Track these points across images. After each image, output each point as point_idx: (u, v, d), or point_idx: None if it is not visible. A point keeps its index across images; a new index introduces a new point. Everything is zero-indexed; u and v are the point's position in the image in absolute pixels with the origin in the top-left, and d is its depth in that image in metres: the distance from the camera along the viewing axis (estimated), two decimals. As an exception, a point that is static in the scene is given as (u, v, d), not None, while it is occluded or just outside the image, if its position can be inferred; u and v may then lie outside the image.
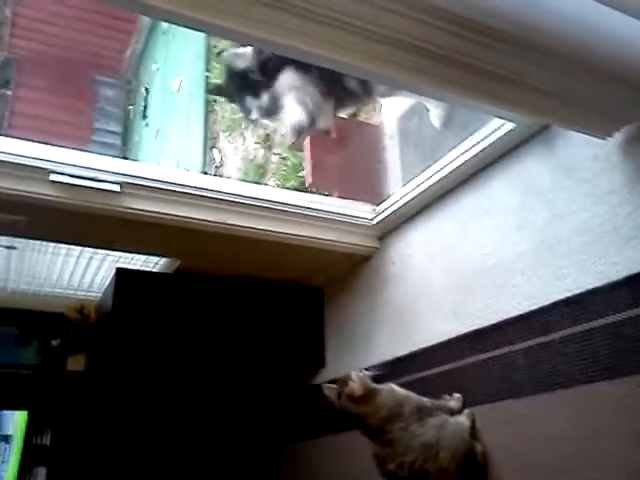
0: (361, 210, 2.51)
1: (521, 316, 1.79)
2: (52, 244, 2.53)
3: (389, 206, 2.40)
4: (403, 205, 2.32)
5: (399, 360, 2.24)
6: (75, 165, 2.07)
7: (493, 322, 1.88)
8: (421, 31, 1.18)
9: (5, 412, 2.95)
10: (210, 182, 2.33)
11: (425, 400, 1.85)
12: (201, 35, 6.28)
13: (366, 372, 1.85)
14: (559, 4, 1.21)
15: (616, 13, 1.27)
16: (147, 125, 8.32)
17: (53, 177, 2.02)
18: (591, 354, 1.56)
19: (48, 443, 2.94)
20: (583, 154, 1.70)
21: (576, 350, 1.60)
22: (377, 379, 1.86)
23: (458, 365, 1.97)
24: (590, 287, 1.61)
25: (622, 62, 1.31)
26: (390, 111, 2.87)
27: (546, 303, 1.72)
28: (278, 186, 4.35)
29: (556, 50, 1.24)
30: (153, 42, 8.45)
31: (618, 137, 1.58)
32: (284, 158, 4.47)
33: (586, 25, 1.24)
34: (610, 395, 1.50)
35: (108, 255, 2.64)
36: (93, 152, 2.22)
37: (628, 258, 1.54)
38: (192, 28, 1.22)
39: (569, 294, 1.66)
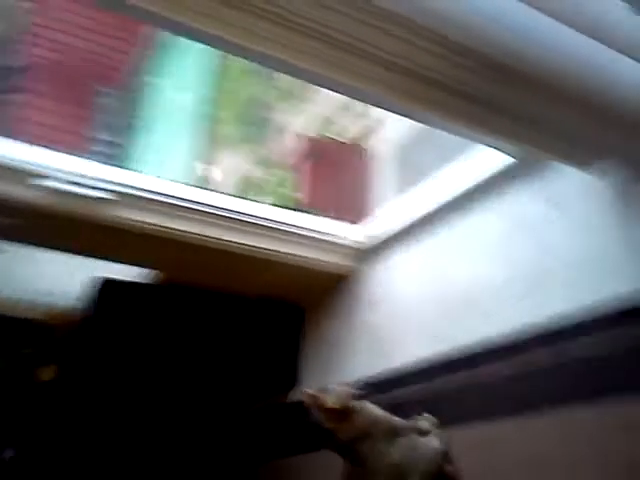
0: (345, 230, 2.52)
1: (499, 341, 1.79)
2: (29, 248, 2.51)
3: (374, 227, 2.41)
4: (388, 227, 2.34)
5: (373, 380, 2.23)
6: (65, 171, 2.08)
7: (470, 346, 1.88)
8: (412, 56, 1.21)
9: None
10: (196, 194, 2.33)
11: (397, 420, 1.84)
12: (204, 50, 6.35)
13: (348, 388, 1.84)
14: (551, 37, 1.23)
15: (609, 50, 1.30)
16: (146, 137, 8.36)
17: (41, 181, 2.02)
18: (566, 379, 1.57)
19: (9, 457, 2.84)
20: (573, 187, 1.70)
21: (552, 375, 1.60)
22: (358, 397, 1.85)
23: (432, 386, 1.96)
24: (572, 317, 1.60)
25: (611, 97, 1.33)
26: (386, 135, 2.90)
27: (525, 330, 1.72)
28: (273, 205, 4.38)
29: (547, 83, 1.26)
30: (156, 55, 8.52)
31: (608, 171, 1.59)
32: (280, 178, 4.50)
33: (580, 61, 1.26)
34: (585, 419, 1.50)
35: (86, 262, 2.60)
36: (85, 158, 2.22)
37: (614, 291, 1.52)
38: (171, 31, 1.24)
39: (549, 322, 1.66)
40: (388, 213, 2.35)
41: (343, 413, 1.79)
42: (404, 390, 2.07)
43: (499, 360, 1.78)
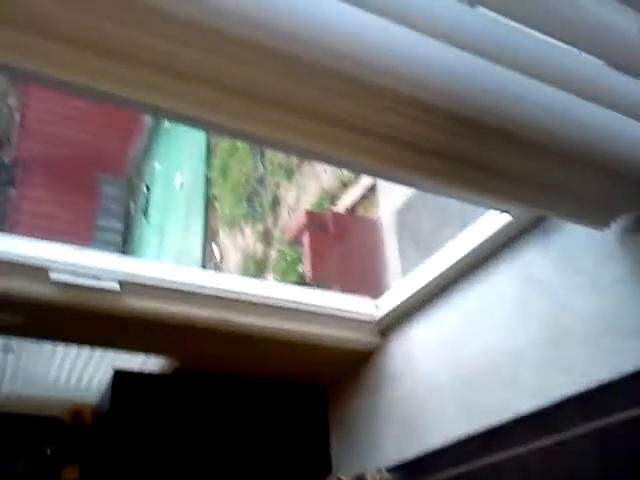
0: (362, 305, 2.47)
1: (532, 413, 1.72)
2: (49, 345, 2.48)
3: (390, 301, 2.37)
4: (404, 299, 2.29)
5: (408, 463, 2.13)
6: (75, 264, 2.06)
7: (503, 420, 1.81)
8: (413, 127, 1.21)
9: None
10: (210, 279, 2.32)
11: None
12: (202, 134, 6.49)
13: (385, 474, 1.75)
14: (546, 99, 1.23)
15: (603, 109, 1.30)
16: (148, 222, 8.42)
17: (53, 276, 2.00)
18: (608, 453, 1.49)
19: None
20: (582, 244, 1.70)
21: (592, 449, 1.53)
22: None
23: (469, 468, 1.88)
24: (600, 381, 1.56)
25: (613, 155, 1.33)
26: (388, 205, 2.90)
27: (556, 399, 1.66)
28: (277, 281, 4.35)
29: (546, 144, 1.27)
30: (155, 141, 8.70)
31: (615, 227, 1.58)
32: (283, 253, 4.49)
33: (575, 120, 1.27)
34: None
35: (105, 355, 2.58)
36: (94, 249, 2.22)
37: (637, 349, 1.49)
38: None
39: (579, 388, 1.61)
40: (403, 285, 2.32)
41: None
42: (440, 472, 1.98)
43: (535, 434, 1.70)
